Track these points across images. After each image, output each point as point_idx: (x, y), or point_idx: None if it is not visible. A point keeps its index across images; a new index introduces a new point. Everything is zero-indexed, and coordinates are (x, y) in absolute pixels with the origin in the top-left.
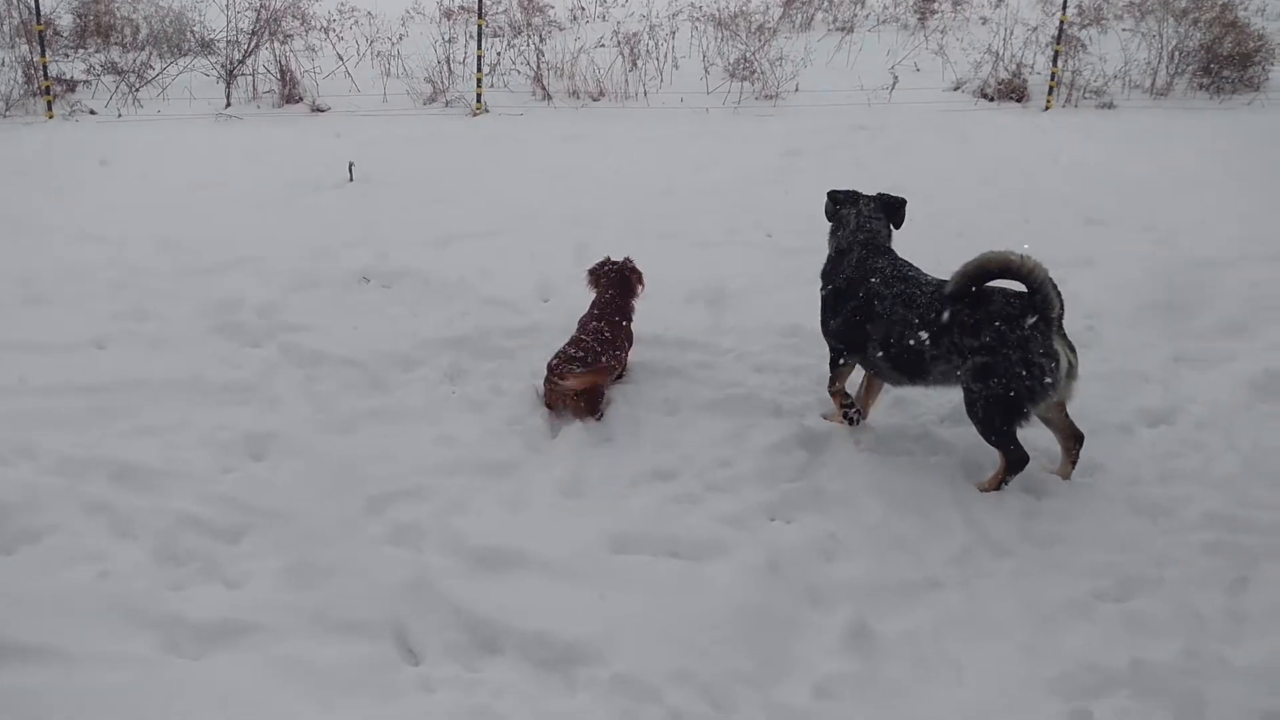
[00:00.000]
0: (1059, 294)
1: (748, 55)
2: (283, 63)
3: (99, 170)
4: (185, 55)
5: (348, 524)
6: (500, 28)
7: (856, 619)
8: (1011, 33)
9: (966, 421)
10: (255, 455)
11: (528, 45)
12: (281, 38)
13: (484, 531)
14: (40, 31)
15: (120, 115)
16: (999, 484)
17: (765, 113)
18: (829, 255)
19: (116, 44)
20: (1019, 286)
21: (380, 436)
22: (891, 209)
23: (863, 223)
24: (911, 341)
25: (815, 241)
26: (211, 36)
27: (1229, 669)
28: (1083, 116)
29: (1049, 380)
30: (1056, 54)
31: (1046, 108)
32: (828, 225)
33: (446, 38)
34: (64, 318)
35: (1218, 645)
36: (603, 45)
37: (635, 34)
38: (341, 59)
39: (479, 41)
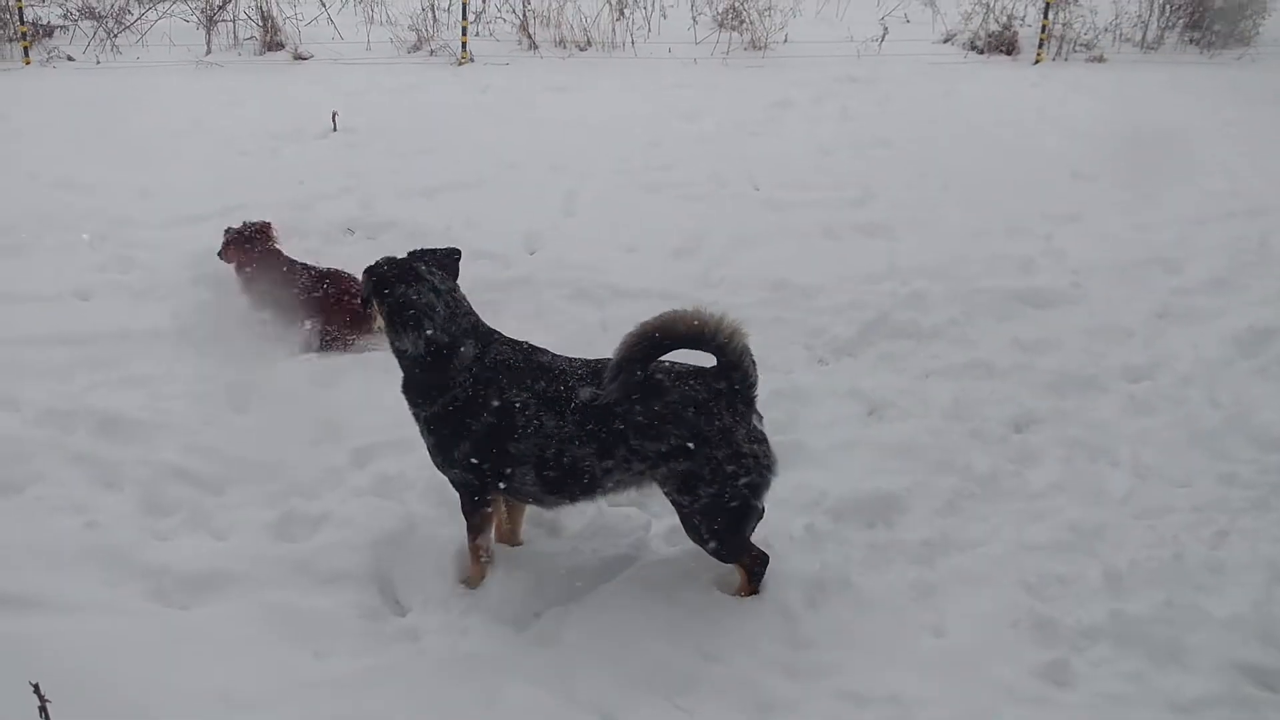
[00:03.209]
0: (755, 364)
1: (736, 5)
2: (264, 9)
3: (78, 118)
4: (164, 0)
5: (333, 475)
6: None
7: (840, 574)
8: None
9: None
10: (240, 407)
11: None
12: None
13: None
14: None
15: (99, 62)
16: (751, 589)
17: (754, 63)
18: (413, 361)
19: None
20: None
21: (364, 388)
22: (450, 265)
23: (454, 304)
24: (570, 457)
25: (803, 195)
26: None
27: (1207, 619)
28: (1072, 70)
29: (768, 465)
30: (1047, 6)
31: (1036, 61)
32: (378, 316)
33: None
34: (45, 268)
35: (1197, 597)
36: None
37: None
38: (324, 5)
39: None
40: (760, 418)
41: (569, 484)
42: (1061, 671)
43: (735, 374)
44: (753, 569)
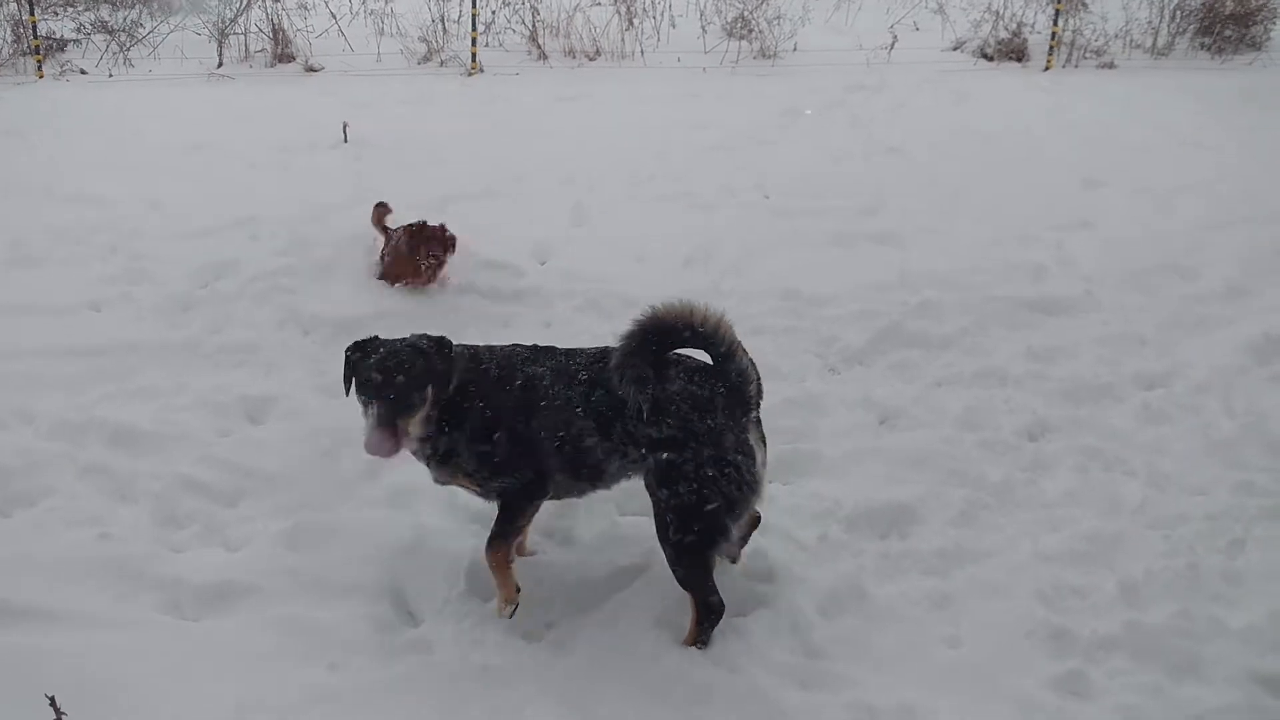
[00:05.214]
0: (754, 365)
1: (745, 14)
2: (275, 21)
3: (90, 131)
4: (176, 14)
5: (345, 487)
6: None
7: (854, 584)
8: None
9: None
10: (253, 418)
11: (523, 3)
12: None
13: None
14: None
15: (111, 75)
16: (697, 639)
17: (763, 72)
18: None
19: (106, 2)
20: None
21: None
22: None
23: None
24: (577, 433)
25: (813, 204)
26: None
27: (1224, 630)
28: (1083, 76)
29: (749, 482)
30: (1057, 13)
31: (1046, 68)
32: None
33: None
34: (57, 280)
35: (1213, 607)
36: (598, 3)
37: None
38: (334, 17)
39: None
40: (760, 426)
41: (582, 471)
42: (1078, 683)
43: (730, 368)
44: (703, 612)
